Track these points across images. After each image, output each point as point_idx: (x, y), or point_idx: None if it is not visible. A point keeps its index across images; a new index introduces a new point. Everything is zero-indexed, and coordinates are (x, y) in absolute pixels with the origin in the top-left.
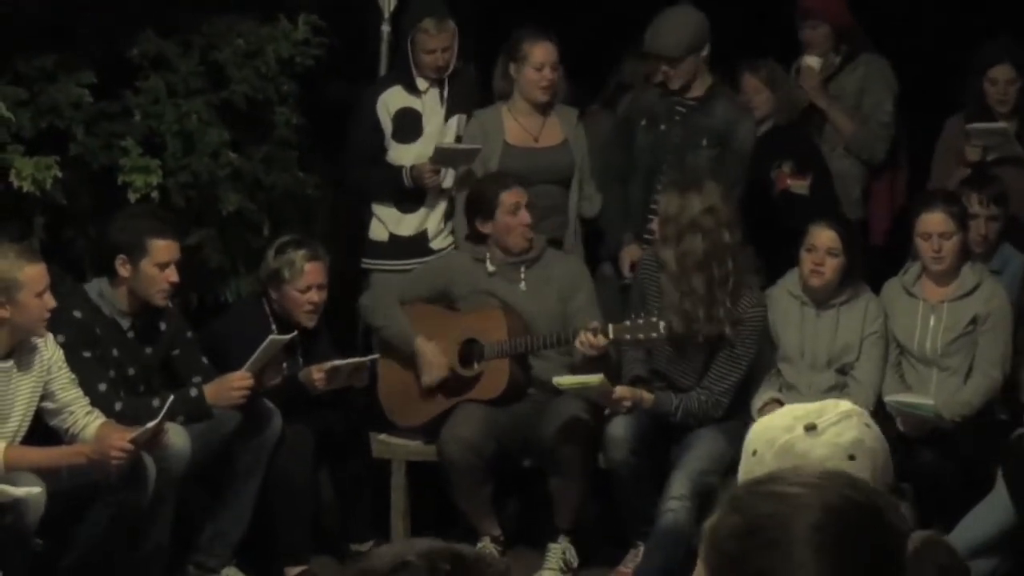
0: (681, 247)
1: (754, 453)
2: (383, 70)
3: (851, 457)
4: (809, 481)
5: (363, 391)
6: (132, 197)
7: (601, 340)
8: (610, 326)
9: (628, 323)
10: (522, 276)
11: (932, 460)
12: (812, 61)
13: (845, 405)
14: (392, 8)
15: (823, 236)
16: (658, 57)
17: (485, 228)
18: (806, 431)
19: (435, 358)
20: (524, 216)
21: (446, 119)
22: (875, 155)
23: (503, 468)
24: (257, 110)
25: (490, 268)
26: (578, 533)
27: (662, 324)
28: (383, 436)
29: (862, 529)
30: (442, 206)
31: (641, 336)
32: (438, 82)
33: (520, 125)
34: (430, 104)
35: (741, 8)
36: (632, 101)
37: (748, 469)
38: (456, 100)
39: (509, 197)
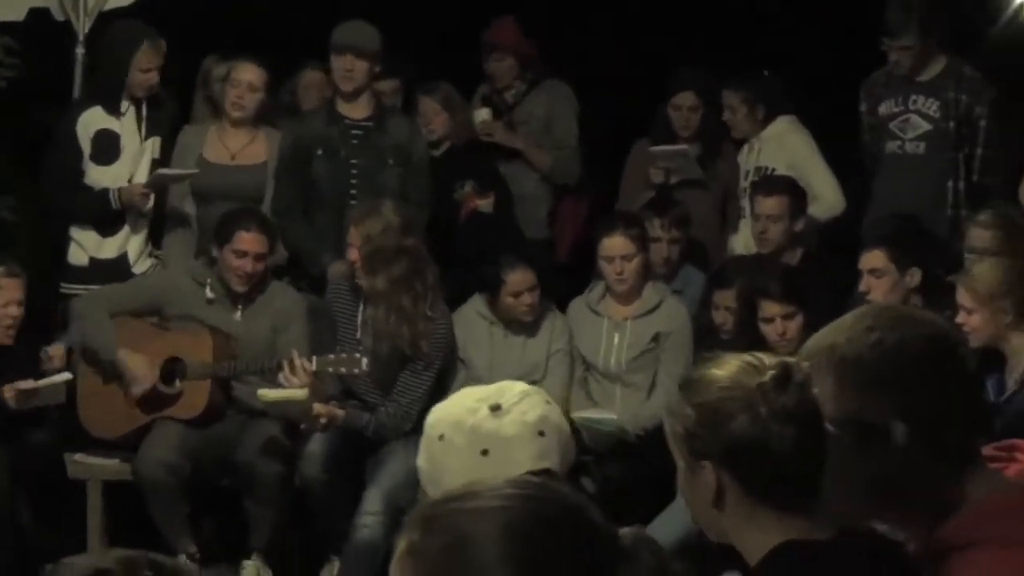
0: (391, 272)
1: (441, 437)
2: (76, 92)
3: (540, 433)
4: (504, 492)
5: (61, 410)
6: None
7: (303, 373)
8: (314, 358)
9: (332, 356)
10: (239, 307)
11: (619, 472)
12: (484, 114)
13: (521, 385)
14: (86, 31)
15: (521, 278)
16: (350, 51)
17: (216, 254)
18: (491, 411)
19: (141, 371)
20: (246, 264)
21: (143, 141)
22: (573, 176)
23: (200, 487)
24: None
25: (209, 295)
26: (275, 547)
27: (364, 361)
28: (79, 456)
29: (561, 531)
30: (144, 229)
31: (343, 370)
32: (136, 104)
33: (221, 142)
34: (128, 126)
35: (424, 36)
36: (297, 131)
37: (435, 454)
38: (154, 123)
39: (239, 242)
